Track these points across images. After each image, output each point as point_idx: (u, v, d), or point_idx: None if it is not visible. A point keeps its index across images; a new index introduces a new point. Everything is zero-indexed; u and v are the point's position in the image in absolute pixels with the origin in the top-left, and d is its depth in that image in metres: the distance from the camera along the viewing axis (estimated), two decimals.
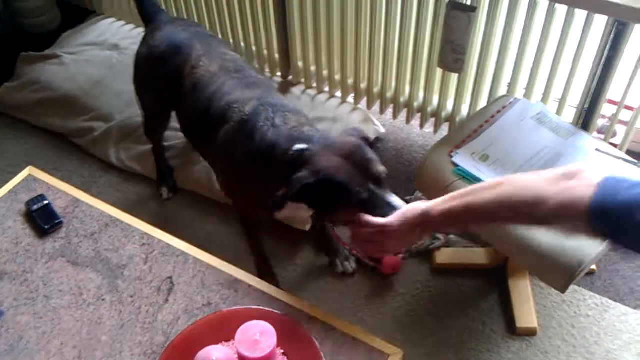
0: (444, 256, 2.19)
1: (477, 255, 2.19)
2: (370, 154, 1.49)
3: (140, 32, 2.98)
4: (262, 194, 1.65)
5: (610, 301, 2.07)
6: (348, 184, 1.42)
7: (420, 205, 1.23)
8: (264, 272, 2.06)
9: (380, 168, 1.47)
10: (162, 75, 1.94)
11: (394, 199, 1.43)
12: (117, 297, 1.44)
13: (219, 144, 1.74)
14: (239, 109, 1.70)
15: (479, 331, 2.02)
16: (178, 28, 1.98)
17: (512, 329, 2.01)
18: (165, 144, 2.48)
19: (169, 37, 1.95)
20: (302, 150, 1.52)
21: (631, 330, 2.00)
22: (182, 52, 1.89)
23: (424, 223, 1.22)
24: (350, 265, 2.15)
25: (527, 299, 2.05)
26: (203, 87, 1.81)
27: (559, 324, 2.02)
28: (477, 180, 1.78)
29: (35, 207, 1.60)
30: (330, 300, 2.10)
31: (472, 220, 1.26)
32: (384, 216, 1.34)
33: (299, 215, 1.85)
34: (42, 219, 1.57)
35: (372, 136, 2.53)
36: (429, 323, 2.04)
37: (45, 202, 1.61)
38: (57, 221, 1.58)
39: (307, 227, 2.22)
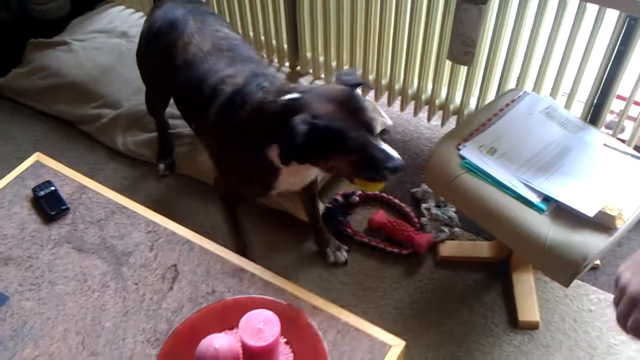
0: (448, 249, 2.19)
1: (481, 249, 2.19)
2: (362, 101, 1.51)
3: None
4: (256, 166, 1.65)
5: (613, 296, 2.06)
6: (344, 129, 1.44)
7: None
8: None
9: (371, 115, 1.49)
10: (158, 50, 1.96)
11: (387, 147, 1.48)
12: (122, 284, 1.44)
13: (211, 119, 1.74)
14: (231, 81, 1.71)
15: (482, 324, 2.02)
16: (177, 4, 2.00)
17: (514, 323, 2.01)
18: (173, 131, 2.49)
19: (166, 13, 1.97)
20: (293, 99, 1.50)
21: None
22: (177, 28, 1.91)
23: None
24: (342, 255, 2.16)
25: (530, 292, 2.05)
26: (195, 65, 1.82)
27: (561, 318, 2.02)
28: (485, 173, 1.77)
29: (42, 193, 1.61)
30: (333, 290, 2.10)
31: None
32: (378, 165, 1.44)
33: (293, 188, 1.84)
34: (49, 205, 1.58)
35: (380, 127, 2.53)
36: (432, 315, 2.05)
37: (52, 188, 1.62)
38: (63, 207, 1.58)
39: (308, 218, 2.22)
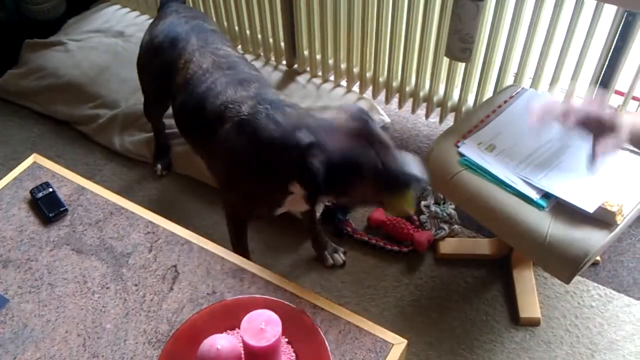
0: (448, 246, 2.19)
1: (481, 246, 2.19)
2: (373, 127, 1.52)
3: (145, 19, 2.98)
4: (268, 192, 1.67)
5: (614, 292, 2.07)
6: (356, 155, 1.45)
7: None
8: None
9: (385, 137, 1.49)
10: (159, 64, 1.96)
11: (408, 158, 1.47)
12: (122, 286, 1.44)
13: (218, 144, 1.72)
14: (235, 109, 1.69)
15: (483, 321, 2.02)
16: (180, 19, 1.98)
17: (515, 319, 2.01)
18: (170, 131, 2.48)
19: (169, 28, 1.96)
20: (309, 142, 1.51)
21: (635, 321, 2.00)
22: (178, 46, 1.90)
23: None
24: (340, 257, 2.17)
25: (531, 289, 2.05)
26: (195, 83, 1.80)
27: (562, 315, 2.02)
28: (484, 170, 1.77)
29: (40, 194, 1.60)
30: (334, 289, 2.10)
31: None
32: (402, 181, 1.43)
33: (297, 208, 1.86)
34: (47, 207, 1.57)
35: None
36: (432, 313, 2.05)
37: (50, 189, 1.61)
38: (61, 209, 1.58)
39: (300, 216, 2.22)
